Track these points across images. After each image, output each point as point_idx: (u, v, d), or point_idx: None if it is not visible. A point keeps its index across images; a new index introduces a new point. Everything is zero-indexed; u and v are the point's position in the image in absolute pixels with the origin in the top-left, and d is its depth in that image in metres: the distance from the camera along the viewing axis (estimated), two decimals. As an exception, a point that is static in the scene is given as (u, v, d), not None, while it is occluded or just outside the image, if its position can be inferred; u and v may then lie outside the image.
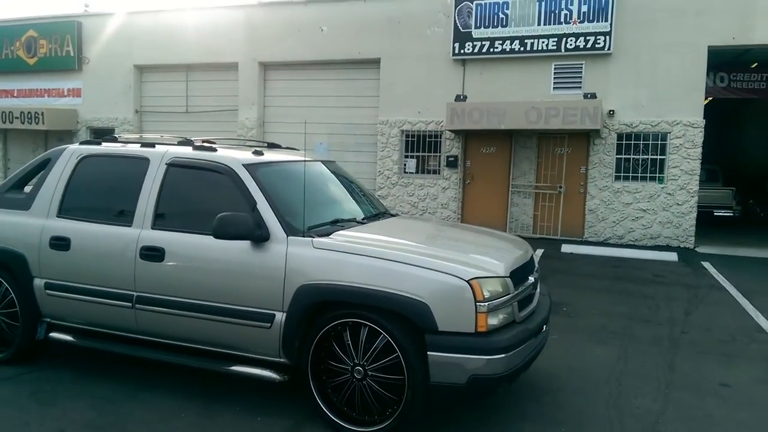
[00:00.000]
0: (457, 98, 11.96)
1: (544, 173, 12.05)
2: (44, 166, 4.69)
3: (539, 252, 10.43)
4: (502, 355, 3.39)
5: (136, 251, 4.07)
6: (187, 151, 4.25)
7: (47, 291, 4.37)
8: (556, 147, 11.93)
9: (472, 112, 11.38)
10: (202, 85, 14.76)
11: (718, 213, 13.80)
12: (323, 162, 5.12)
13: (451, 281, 3.40)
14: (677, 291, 7.80)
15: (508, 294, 3.56)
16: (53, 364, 4.65)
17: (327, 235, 3.83)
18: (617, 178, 11.46)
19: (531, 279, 3.98)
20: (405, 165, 12.96)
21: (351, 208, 4.68)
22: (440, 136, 12.60)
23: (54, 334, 4.50)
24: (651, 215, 11.27)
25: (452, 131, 12.16)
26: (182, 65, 14.78)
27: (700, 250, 10.88)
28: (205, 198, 4.07)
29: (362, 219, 4.46)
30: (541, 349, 4.07)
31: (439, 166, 12.70)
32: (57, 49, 15.86)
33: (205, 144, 4.36)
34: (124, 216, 4.21)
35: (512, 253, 4.04)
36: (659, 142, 11.14)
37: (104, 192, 4.40)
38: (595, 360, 5.11)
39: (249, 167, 4.02)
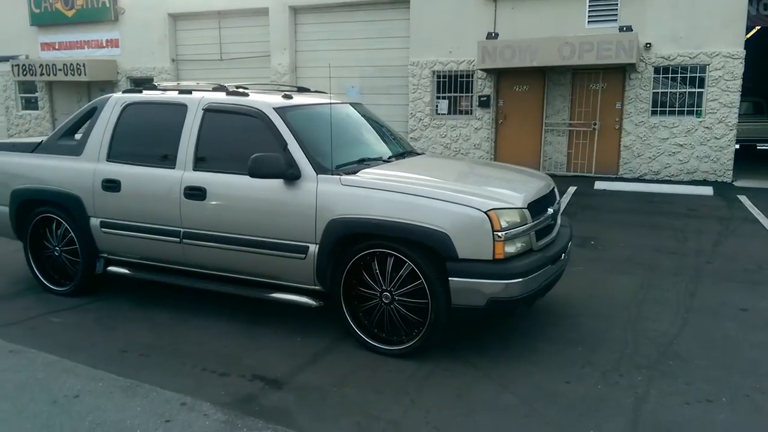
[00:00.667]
0: (489, 36, 11.81)
1: (578, 110, 11.92)
2: (91, 114, 5.03)
3: (571, 189, 10.49)
4: (519, 280, 3.63)
5: (180, 191, 4.41)
6: (221, 96, 4.50)
7: (102, 229, 4.79)
8: (590, 83, 11.75)
9: (504, 50, 11.25)
10: (235, 32, 14.90)
11: (761, 146, 13.46)
12: (351, 104, 5.32)
13: (470, 212, 3.63)
14: (708, 224, 7.83)
15: (526, 224, 3.78)
16: (112, 295, 5.13)
17: (354, 173, 4.07)
18: (654, 113, 11.27)
19: (550, 211, 4.16)
20: (437, 106, 12.98)
21: (377, 147, 4.89)
22: (472, 75, 12.52)
23: (111, 268, 4.95)
24: (688, 150, 11.11)
25: (484, 70, 12.07)
26: (214, 12, 14.91)
27: (738, 184, 10.74)
28: (240, 140, 4.34)
29: (388, 158, 4.68)
30: (559, 275, 4.31)
31: (472, 107, 12.68)
32: (93, 1, 16.15)
33: (238, 89, 4.60)
34: (167, 159, 4.54)
35: (531, 186, 4.22)
36: (697, 75, 10.85)
37: (148, 137, 4.72)
38: (617, 288, 5.31)
39: (279, 110, 4.26)
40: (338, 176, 4.00)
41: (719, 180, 10.98)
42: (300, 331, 4.34)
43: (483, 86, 12.44)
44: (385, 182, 3.92)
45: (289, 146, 4.10)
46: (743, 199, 9.43)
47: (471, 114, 12.69)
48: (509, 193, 3.96)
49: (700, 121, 10.95)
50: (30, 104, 18.09)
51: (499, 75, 12.35)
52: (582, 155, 12.04)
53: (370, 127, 5.17)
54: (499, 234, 3.61)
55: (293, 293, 4.23)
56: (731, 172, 10.95)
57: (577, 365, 3.82)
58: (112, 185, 4.70)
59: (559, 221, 4.55)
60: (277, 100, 4.45)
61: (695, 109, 10.98)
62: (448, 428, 3.10)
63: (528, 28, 11.68)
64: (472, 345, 4.11)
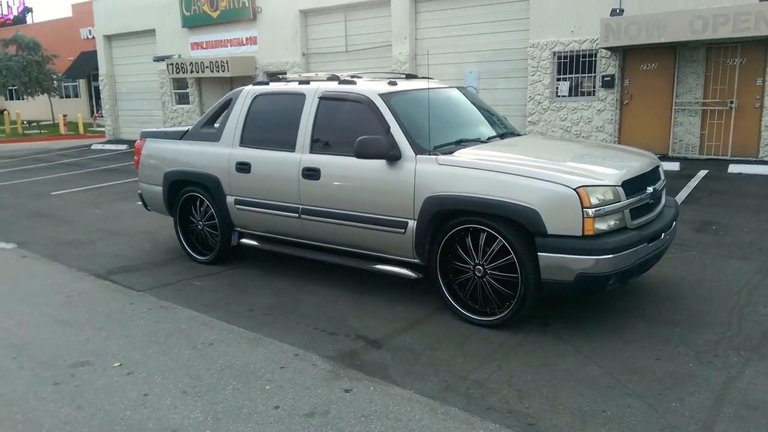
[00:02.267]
0: (613, 12, 11.34)
1: (713, 88, 11.11)
2: (227, 105, 5.76)
3: (702, 173, 9.89)
4: (610, 256, 3.72)
5: (299, 172, 4.96)
6: (333, 85, 4.98)
7: (236, 206, 5.49)
8: (727, 58, 10.89)
9: (629, 26, 10.76)
10: (359, 24, 15.58)
11: None
12: (458, 87, 5.58)
13: (560, 189, 3.77)
14: None
15: (618, 201, 3.84)
16: (243, 264, 5.86)
17: (450, 153, 4.35)
18: (802, 88, 10.23)
19: (649, 189, 4.15)
20: (557, 88, 12.71)
21: (477, 129, 5.11)
22: (595, 55, 12.10)
23: (244, 240, 5.67)
24: (844, 129, 9.98)
25: (608, 49, 11.62)
26: (341, 6, 15.67)
27: None
28: (350, 124, 4.77)
29: (487, 138, 4.90)
30: (659, 255, 4.29)
31: (594, 88, 12.27)
32: (235, 1, 17.64)
33: (348, 78, 5.05)
34: (288, 143, 5.10)
35: (629, 165, 4.23)
36: None
37: (273, 123, 5.32)
38: (732, 273, 5.11)
39: (383, 96, 4.65)
40: (435, 156, 4.30)
41: None
42: (401, 300, 4.72)
43: (607, 66, 11.99)
44: (479, 161, 4.16)
45: (391, 129, 4.47)
46: None
47: (593, 95, 12.29)
48: (602, 170, 4.03)
49: None
50: (182, 99, 20.18)
51: (624, 53, 11.83)
52: (717, 136, 11.22)
53: (473, 109, 5.40)
54: (589, 211, 3.71)
55: (395, 265, 4.62)
56: None
57: (671, 344, 3.83)
58: (244, 167, 5.37)
59: (663, 201, 4.51)
60: (382, 86, 4.83)
61: None
62: (529, 391, 3.31)
63: (657, 2, 11.05)
64: (566, 321, 4.24)
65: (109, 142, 21.31)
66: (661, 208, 4.42)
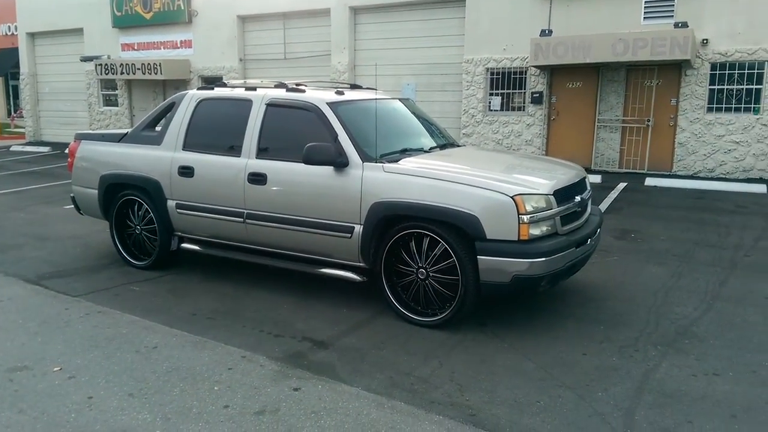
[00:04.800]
0: (542, 33, 11.98)
1: (632, 107, 11.93)
2: (170, 108, 5.71)
3: (621, 185, 10.58)
4: (542, 259, 4.00)
5: (245, 177, 5.00)
6: (281, 93, 5.07)
7: (178, 210, 5.45)
8: (645, 79, 11.74)
9: (557, 46, 11.41)
10: (298, 32, 15.64)
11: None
12: (400, 99, 5.79)
13: (498, 197, 4.03)
14: (754, 221, 7.84)
15: (551, 209, 4.14)
16: (184, 270, 5.81)
17: (396, 161, 4.54)
18: (709, 109, 11.17)
19: (577, 198, 4.48)
20: (490, 103, 13.25)
21: (420, 139, 5.34)
22: (525, 72, 12.72)
23: (185, 245, 5.62)
24: (744, 147, 10.96)
25: (537, 67, 12.25)
26: (279, 14, 15.69)
27: (798, 182, 10.52)
28: (297, 132, 4.87)
29: (429, 148, 5.13)
30: (585, 259, 4.64)
31: (524, 103, 12.89)
32: (169, 3, 17.28)
33: (296, 86, 5.15)
34: (234, 148, 5.13)
35: (560, 175, 4.56)
36: (755, 71, 10.68)
37: (218, 128, 5.34)
38: (649, 277, 5.55)
39: (331, 105, 4.79)
40: (381, 164, 4.47)
41: (778, 178, 10.77)
42: (345, 303, 4.85)
43: (536, 83, 12.63)
44: (423, 169, 4.37)
45: (339, 137, 4.61)
46: (800, 197, 9.28)
47: (523, 110, 12.90)
48: (536, 180, 4.33)
49: (758, 118, 10.77)
50: (110, 101, 19.48)
51: (552, 71, 12.50)
52: (635, 152, 12.04)
53: (415, 120, 5.63)
54: (524, 217, 3.99)
55: (340, 269, 4.75)
56: (791, 170, 10.73)
57: (596, 340, 4.15)
58: (186, 171, 5.35)
59: (588, 209, 4.87)
60: (330, 96, 4.97)
61: (752, 106, 10.81)
62: (469, 385, 3.52)
63: (583, 26, 11.78)
64: (502, 320, 4.49)
65: (30, 143, 20.24)
66: (587, 216, 4.78)
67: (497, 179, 4.18)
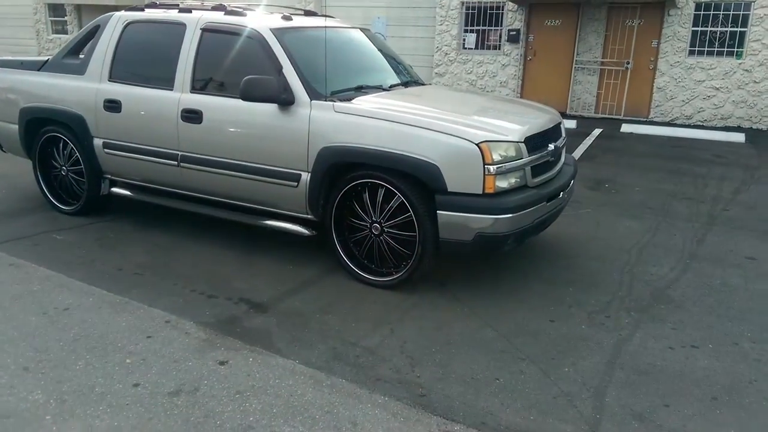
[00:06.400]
0: (522, -35, 11.20)
1: (612, 48, 11.37)
2: (94, 33, 4.97)
3: (596, 131, 10.15)
4: (509, 216, 3.54)
5: (178, 113, 4.38)
6: (218, 16, 4.38)
7: (105, 150, 4.82)
8: (627, 18, 11.13)
9: (537, -20, 10.67)
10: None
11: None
12: (361, 29, 5.14)
13: (461, 144, 3.51)
14: (733, 171, 7.52)
15: (521, 159, 3.65)
16: (116, 217, 5.22)
17: (349, 100, 3.96)
18: (691, 52, 10.68)
19: (551, 147, 4.00)
20: (464, 40, 12.51)
21: (379, 75, 4.73)
22: (502, 8, 11.97)
23: (115, 189, 5.02)
24: (724, 94, 10.56)
25: (514, 2, 11.51)
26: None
27: (775, 132, 10.23)
28: (237, 62, 4.23)
29: (389, 86, 4.53)
30: (556, 214, 4.20)
31: (500, 41, 12.19)
32: None
33: (236, 9, 4.46)
34: (166, 80, 4.48)
35: (532, 120, 4.05)
36: (741, 13, 10.16)
37: (148, 57, 4.65)
38: (623, 232, 5.17)
39: (276, 32, 4.13)
40: (332, 102, 3.89)
41: (754, 127, 10.47)
42: (292, 260, 4.36)
43: (513, 20, 11.91)
44: (378, 110, 3.80)
45: (284, 69, 3.99)
46: (777, 147, 8.99)
47: (499, 49, 12.22)
48: (505, 125, 3.81)
49: (740, 63, 10.34)
50: (59, 28, 18.07)
51: (530, 8, 11.78)
52: (612, 96, 11.56)
53: (377, 53, 5.00)
54: (491, 168, 3.49)
55: (287, 221, 4.23)
56: (769, 119, 10.42)
57: (564, 305, 3.76)
58: (113, 105, 4.69)
59: (562, 158, 4.40)
60: (275, 21, 4.31)
61: (735, 49, 10.35)
62: (422, 358, 3.11)
63: (564, -42, 11.03)
64: (463, 281, 4.07)
65: (-28, 72, 18.79)
66: (560, 166, 4.31)
67: (462, 123, 3.64)
